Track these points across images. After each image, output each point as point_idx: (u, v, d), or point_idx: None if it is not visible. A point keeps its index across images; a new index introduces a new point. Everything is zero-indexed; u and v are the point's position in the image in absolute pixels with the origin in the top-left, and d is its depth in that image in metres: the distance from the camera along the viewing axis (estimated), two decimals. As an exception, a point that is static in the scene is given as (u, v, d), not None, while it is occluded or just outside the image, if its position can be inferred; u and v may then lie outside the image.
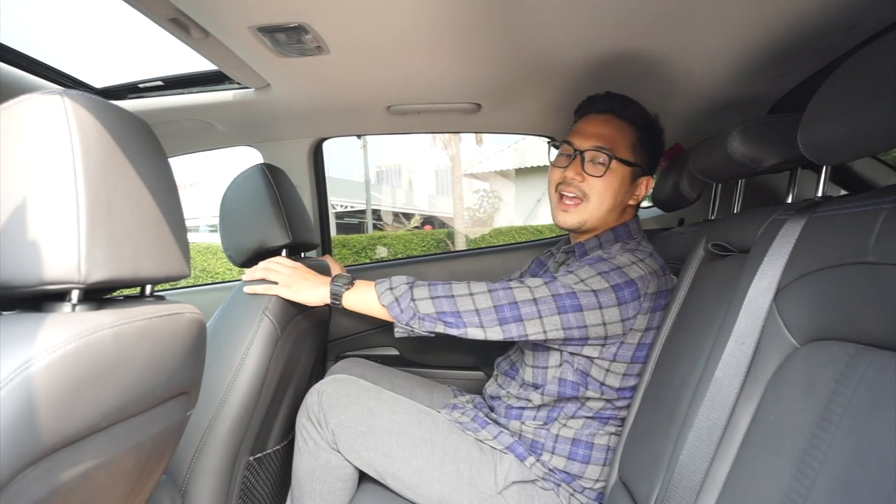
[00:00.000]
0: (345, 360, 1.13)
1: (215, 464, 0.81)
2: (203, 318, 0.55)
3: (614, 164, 0.89)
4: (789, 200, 0.76)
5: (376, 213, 11.10)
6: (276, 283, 0.88)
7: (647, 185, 0.94)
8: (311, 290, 0.88)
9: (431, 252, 6.83)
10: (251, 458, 0.90)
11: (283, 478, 1.03)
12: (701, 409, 0.60)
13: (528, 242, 1.57)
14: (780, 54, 0.84)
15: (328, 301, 0.88)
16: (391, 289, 0.85)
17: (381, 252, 7.26)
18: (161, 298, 0.52)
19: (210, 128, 1.26)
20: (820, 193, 0.63)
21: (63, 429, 0.38)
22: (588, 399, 0.87)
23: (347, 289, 0.88)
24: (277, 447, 1.01)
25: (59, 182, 0.39)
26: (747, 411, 0.56)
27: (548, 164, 0.99)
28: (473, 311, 0.81)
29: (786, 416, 0.50)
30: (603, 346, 0.84)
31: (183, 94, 1.12)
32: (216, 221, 1.01)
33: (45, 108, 0.40)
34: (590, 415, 0.88)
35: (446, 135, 8.89)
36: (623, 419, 0.87)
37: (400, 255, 6.97)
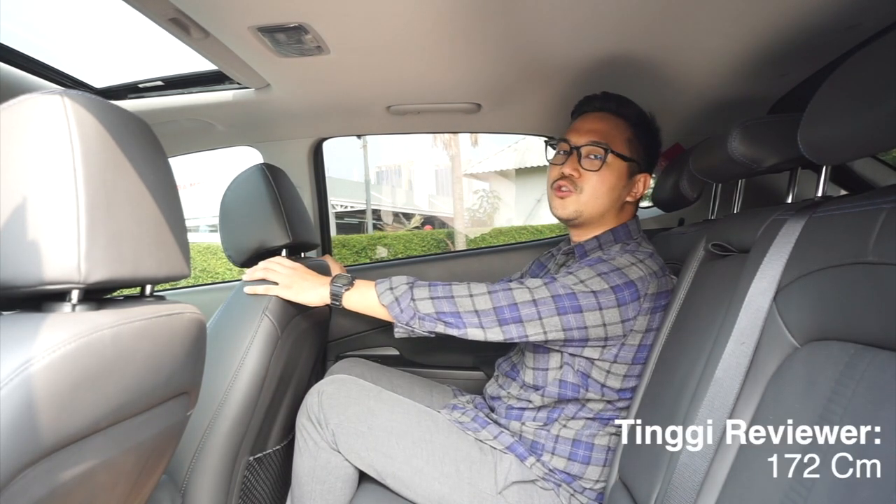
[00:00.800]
0: (345, 360, 1.13)
1: (215, 464, 0.81)
2: (203, 318, 0.55)
3: (610, 158, 0.90)
4: (789, 200, 0.76)
5: (376, 213, 11.10)
6: (276, 283, 0.88)
7: (644, 183, 0.94)
8: (311, 290, 0.88)
9: (431, 252, 6.83)
10: (251, 458, 0.90)
11: (283, 478, 1.03)
12: (701, 409, 0.60)
13: (528, 242, 1.57)
14: (780, 54, 0.84)
15: (328, 301, 0.88)
16: (391, 289, 0.85)
17: (381, 252, 7.26)
18: (161, 298, 0.52)
19: (210, 128, 1.26)
20: (820, 193, 0.63)
21: (63, 429, 0.38)
22: (588, 400, 0.87)
23: (347, 289, 0.88)
24: (277, 447, 1.01)
25: (59, 182, 0.39)
26: (747, 411, 0.56)
27: (547, 163, 0.99)
28: (473, 312, 0.81)
29: (786, 416, 0.50)
30: (603, 347, 0.84)
31: (183, 94, 1.12)
32: (216, 221, 1.01)
33: (45, 108, 0.40)
34: (590, 416, 0.88)
35: (446, 135, 8.89)
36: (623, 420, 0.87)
37: (400, 255, 6.97)
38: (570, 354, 0.86)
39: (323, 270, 1.05)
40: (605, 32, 0.81)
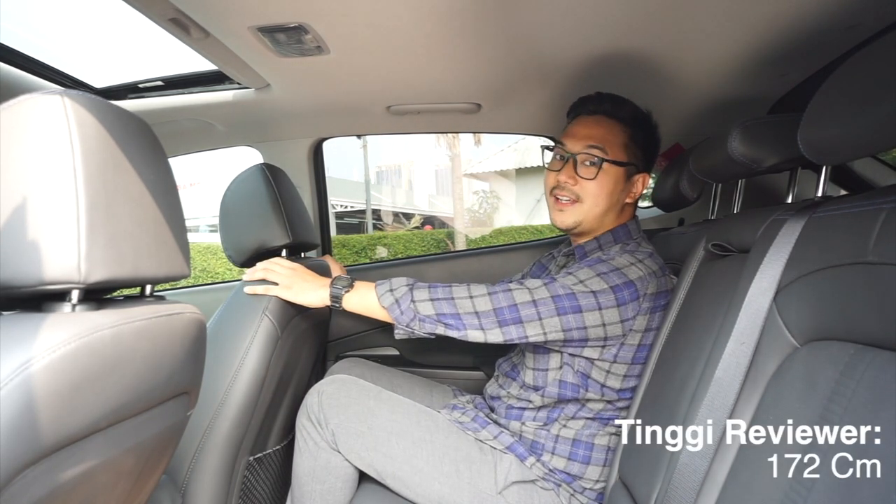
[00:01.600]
0: (345, 360, 1.13)
1: (215, 464, 0.81)
2: (203, 318, 0.55)
3: (606, 165, 0.89)
4: (789, 200, 0.76)
5: (376, 213, 11.10)
6: (276, 283, 0.88)
7: (643, 182, 0.94)
8: (311, 291, 0.88)
9: (431, 252, 6.83)
10: (251, 458, 0.90)
11: (283, 478, 1.03)
12: (701, 409, 0.60)
13: (528, 242, 1.57)
14: (780, 54, 0.84)
15: (328, 303, 0.88)
16: (391, 290, 0.85)
17: (381, 252, 7.26)
18: (161, 298, 0.52)
19: (210, 128, 1.26)
20: (820, 193, 0.63)
21: (63, 429, 0.38)
22: (588, 400, 0.87)
23: (347, 291, 0.88)
24: (277, 447, 1.01)
25: (59, 182, 0.39)
26: (747, 411, 0.56)
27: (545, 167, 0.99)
28: (473, 314, 0.81)
29: (786, 416, 0.50)
30: (603, 347, 0.84)
31: (183, 94, 1.12)
32: (216, 221, 1.01)
33: (45, 108, 0.40)
34: (590, 416, 0.88)
35: (449, 134, 8.89)
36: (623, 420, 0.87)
37: (400, 255, 6.97)
38: (570, 355, 0.86)
39: (323, 271, 1.05)
40: (605, 32, 0.81)
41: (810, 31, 0.76)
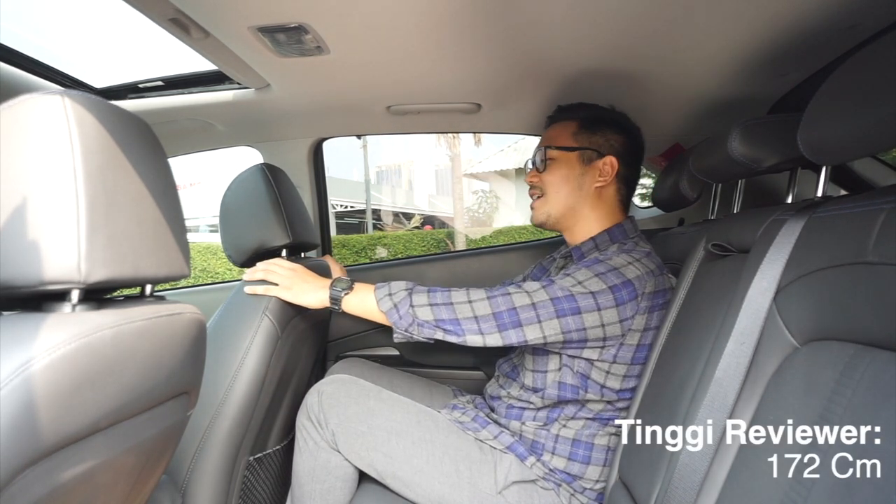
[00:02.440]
0: (345, 360, 1.13)
1: (215, 464, 0.81)
2: (203, 318, 0.55)
3: (553, 153, 0.97)
4: (789, 200, 0.76)
5: (376, 213, 11.11)
6: (275, 284, 0.88)
7: (612, 165, 0.94)
8: (310, 293, 0.88)
9: (431, 252, 6.83)
10: (251, 458, 0.90)
11: (283, 478, 1.03)
12: (701, 409, 0.60)
13: (528, 243, 1.56)
14: (780, 54, 0.84)
15: (327, 305, 0.88)
16: (390, 295, 0.85)
17: (381, 252, 7.27)
18: (161, 298, 0.52)
19: (210, 128, 1.26)
20: (820, 193, 0.63)
21: (63, 429, 0.38)
22: (588, 401, 0.87)
23: (346, 293, 0.88)
24: (277, 447, 1.01)
25: (59, 182, 0.39)
26: (747, 411, 0.56)
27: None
28: (472, 318, 0.81)
29: (786, 416, 0.50)
30: (602, 347, 0.84)
31: (183, 94, 1.12)
32: (216, 221, 1.01)
33: (45, 108, 0.40)
34: (590, 416, 0.88)
35: (449, 134, 8.90)
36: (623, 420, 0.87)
37: (400, 256, 6.97)
38: (569, 356, 0.86)
39: (323, 271, 1.05)
40: (604, 32, 0.81)
41: (810, 31, 0.76)
